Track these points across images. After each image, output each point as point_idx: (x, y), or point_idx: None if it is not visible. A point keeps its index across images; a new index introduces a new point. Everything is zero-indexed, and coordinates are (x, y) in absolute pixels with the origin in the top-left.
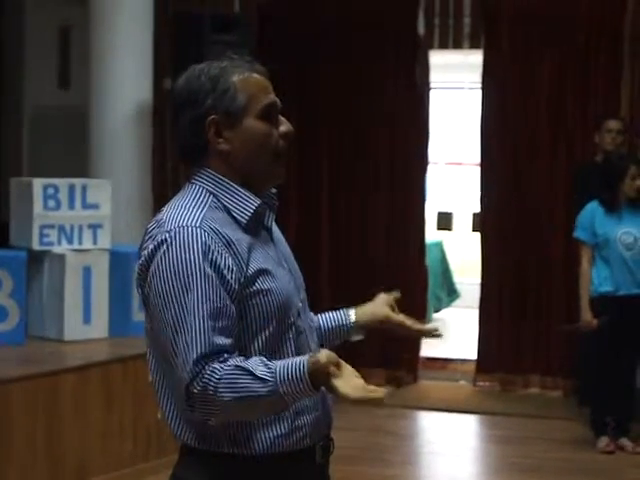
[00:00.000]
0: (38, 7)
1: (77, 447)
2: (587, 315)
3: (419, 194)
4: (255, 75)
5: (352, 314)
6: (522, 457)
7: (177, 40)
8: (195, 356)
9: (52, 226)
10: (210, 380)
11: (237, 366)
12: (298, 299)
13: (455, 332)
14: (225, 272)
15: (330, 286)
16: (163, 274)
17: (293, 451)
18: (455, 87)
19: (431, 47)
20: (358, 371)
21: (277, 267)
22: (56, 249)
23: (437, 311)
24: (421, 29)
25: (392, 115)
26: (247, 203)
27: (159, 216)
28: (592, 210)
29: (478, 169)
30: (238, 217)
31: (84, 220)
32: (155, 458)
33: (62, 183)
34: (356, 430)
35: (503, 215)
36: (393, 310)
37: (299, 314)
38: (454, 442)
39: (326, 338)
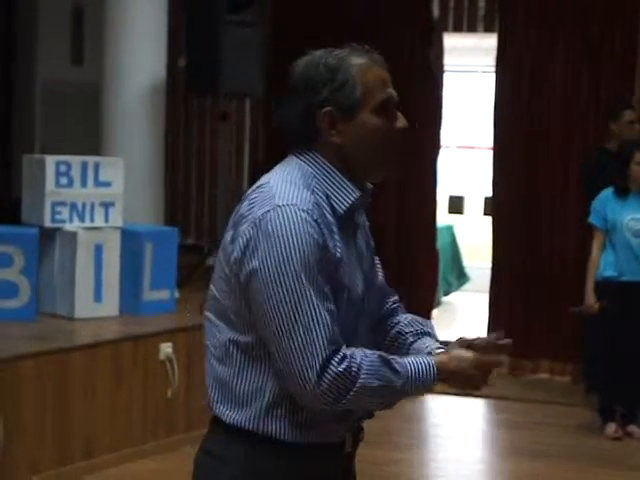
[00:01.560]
0: None
1: (86, 425)
2: (590, 299)
3: (431, 177)
4: (374, 67)
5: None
6: (530, 442)
7: (191, 18)
8: (323, 341)
9: (64, 203)
10: (352, 363)
11: (377, 354)
12: (362, 302)
13: (464, 316)
14: (331, 257)
15: None
16: (281, 251)
17: (324, 442)
18: (469, 70)
19: (445, 30)
20: None
21: (356, 266)
22: (68, 227)
23: (447, 294)
24: (436, 11)
25: (405, 97)
26: (348, 193)
27: (264, 186)
28: (606, 196)
29: (490, 153)
30: (336, 205)
31: (96, 198)
32: (163, 437)
33: (74, 160)
34: None
35: (515, 199)
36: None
37: (357, 316)
38: (462, 426)
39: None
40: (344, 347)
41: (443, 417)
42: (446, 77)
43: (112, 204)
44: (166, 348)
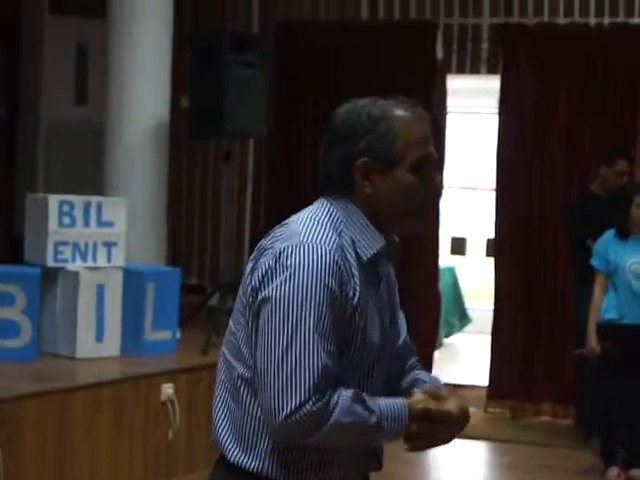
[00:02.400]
0: (56, 23)
1: (87, 465)
2: (592, 341)
3: (433, 218)
4: (417, 122)
5: None
6: None
7: (195, 59)
8: (308, 385)
9: (66, 243)
10: (329, 401)
11: (352, 391)
12: (378, 354)
13: (466, 358)
14: (346, 301)
15: None
16: (293, 285)
17: None
18: (472, 112)
19: (449, 72)
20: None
21: (374, 311)
22: (70, 266)
23: (448, 336)
24: (439, 53)
25: None
26: (374, 241)
27: (291, 223)
28: (607, 238)
29: (493, 194)
30: (361, 252)
31: (99, 237)
32: (164, 478)
33: (77, 200)
34: None
35: (517, 241)
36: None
37: (373, 367)
38: (463, 469)
39: None
40: (329, 393)
41: (444, 460)
42: (449, 118)
43: (115, 244)
44: (167, 389)
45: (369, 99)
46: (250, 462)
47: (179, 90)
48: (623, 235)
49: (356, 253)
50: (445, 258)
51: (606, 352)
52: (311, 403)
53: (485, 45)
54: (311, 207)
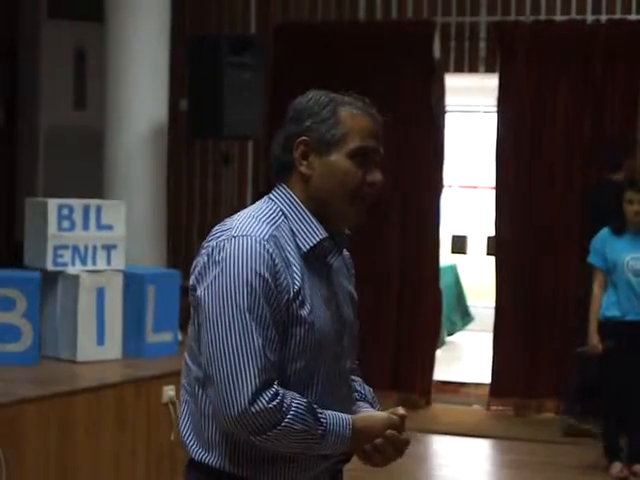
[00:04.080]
0: (54, 27)
1: (89, 468)
2: (594, 339)
3: (434, 217)
4: (365, 117)
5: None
6: None
7: (193, 61)
8: (254, 369)
9: (66, 247)
10: (283, 402)
11: (305, 401)
12: (336, 345)
13: (469, 356)
14: (282, 289)
15: None
16: (224, 278)
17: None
18: (470, 110)
19: (447, 70)
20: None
21: (323, 306)
22: (70, 270)
23: (451, 334)
24: (437, 52)
25: (407, 138)
26: (313, 233)
27: (228, 221)
28: (604, 235)
29: (493, 192)
30: (300, 243)
31: (98, 241)
32: None
33: (77, 204)
34: None
35: (518, 238)
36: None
37: (334, 359)
38: (467, 466)
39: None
40: (276, 384)
41: (449, 458)
42: (448, 117)
43: (114, 247)
44: (169, 391)
45: (325, 91)
46: (213, 459)
47: (177, 93)
48: (618, 231)
49: (296, 244)
50: (446, 256)
51: (609, 351)
52: (266, 398)
53: (483, 43)
54: (253, 205)
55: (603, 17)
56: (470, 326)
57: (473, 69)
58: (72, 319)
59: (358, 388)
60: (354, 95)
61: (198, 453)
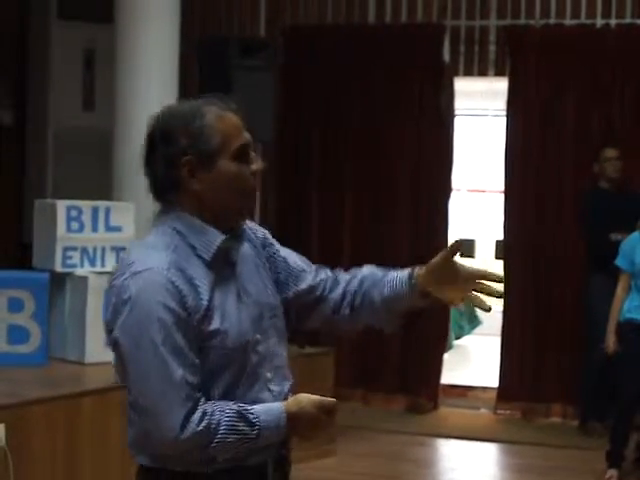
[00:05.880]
0: (63, 28)
1: (96, 470)
2: (610, 339)
3: (442, 221)
4: (229, 114)
5: (413, 277)
6: None
7: (203, 64)
8: (178, 400)
9: (75, 248)
10: (211, 421)
11: (235, 410)
12: (256, 332)
13: (476, 360)
14: (191, 312)
15: None
16: (134, 317)
17: (242, 467)
18: (480, 114)
19: (456, 74)
20: (378, 396)
21: (236, 304)
22: (79, 271)
23: (458, 338)
24: (446, 56)
25: (416, 141)
26: (211, 241)
27: (126, 253)
28: (634, 239)
29: (501, 196)
30: (203, 255)
31: (107, 242)
32: None
33: (86, 205)
34: (376, 457)
35: (526, 243)
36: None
37: (257, 347)
38: (474, 470)
39: (387, 307)
40: (202, 402)
41: (456, 462)
42: (457, 121)
43: (123, 248)
44: None
45: (178, 101)
46: (156, 463)
47: (186, 95)
48: None
49: (198, 257)
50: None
51: (626, 352)
52: (195, 422)
53: (492, 47)
54: (149, 235)
55: (613, 21)
56: (478, 330)
57: (482, 73)
58: (80, 320)
59: (353, 280)
60: (207, 95)
61: (145, 461)
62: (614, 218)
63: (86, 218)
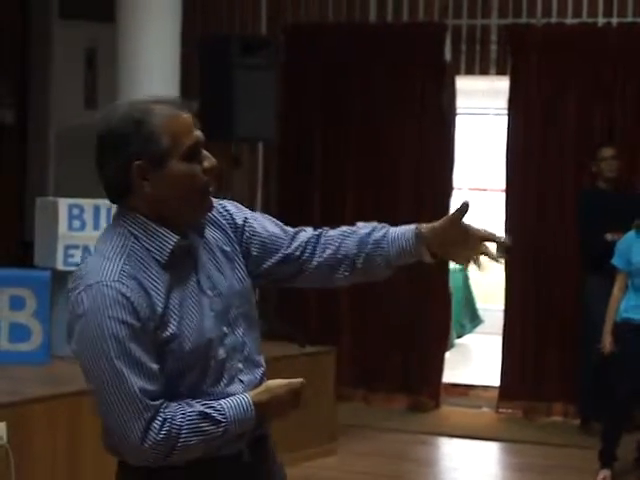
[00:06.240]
0: (65, 27)
1: (98, 468)
2: (607, 339)
3: None
4: (179, 114)
5: (419, 233)
6: None
7: (204, 62)
8: (136, 414)
9: (76, 246)
10: (172, 427)
11: (197, 411)
12: (223, 325)
13: (478, 358)
14: (146, 321)
15: (351, 310)
16: (88, 332)
17: (217, 457)
18: (481, 113)
19: (457, 73)
20: (379, 395)
21: (197, 302)
22: None
23: (460, 337)
24: (448, 55)
25: (418, 140)
26: (165, 242)
27: (82, 262)
28: (630, 238)
29: (502, 195)
30: (157, 257)
31: None
32: None
33: (87, 203)
34: (378, 456)
35: (527, 241)
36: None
37: (224, 340)
38: (475, 469)
39: (392, 260)
40: (165, 406)
41: (458, 460)
42: (458, 120)
43: None
44: None
45: (127, 102)
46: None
47: (188, 94)
48: None
49: (154, 260)
50: None
51: (623, 352)
52: (155, 430)
53: (494, 46)
54: (103, 235)
55: (614, 20)
56: (479, 329)
57: (484, 71)
58: None
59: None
60: (156, 96)
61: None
62: (610, 218)
63: (88, 216)
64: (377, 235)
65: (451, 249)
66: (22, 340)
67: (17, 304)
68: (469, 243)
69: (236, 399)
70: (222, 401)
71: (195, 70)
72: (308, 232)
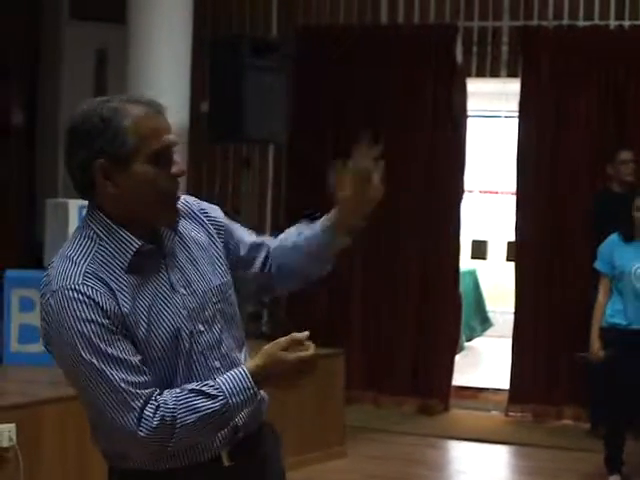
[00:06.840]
0: (75, 28)
1: (107, 469)
2: (595, 346)
3: (454, 222)
4: (150, 116)
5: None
6: None
7: (215, 64)
8: (126, 406)
9: None
10: (166, 411)
11: (188, 389)
12: (197, 323)
13: (487, 361)
14: (117, 318)
15: (363, 311)
16: (61, 337)
17: (196, 464)
18: (492, 115)
19: (469, 75)
20: (389, 398)
21: (167, 302)
22: None
23: (470, 340)
24: (459, 57)
25: (429, 142)
26: (126, 247)
27: (49, 265)
28: (612, 242)
29: (513, 198)
30: (119, 262)
31: None
32: None
33: None
34: (387, 458)
35: (538, 244)
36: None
37: (199, 338)
38: (485, 473)
39: (316, 256)
40: (155, 395)
41: (467, 464)
42: (469, 122)
43: None
44: None
45: (100, 99)
46: (115, 460)
47: (199, 95)
48: (627, 239)
49: (118, 263)
50: (466, 261)
51: (610, 358)
52: (149, 417)
53: (505, 48)
54: (73, 234)
55: (626, 23)
56: (489, 332)
57: (495, 74)
58: None
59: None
60: (131, 94)
61: (115, 462)
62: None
63: None
64: (292, 239)
65: (351, 215)
66: (32, 341)
67: (27, 305)
68: (357, 199)
69: (231, 372)
70: (217, 378)
71: (206, 71)
72: (264, 249)
